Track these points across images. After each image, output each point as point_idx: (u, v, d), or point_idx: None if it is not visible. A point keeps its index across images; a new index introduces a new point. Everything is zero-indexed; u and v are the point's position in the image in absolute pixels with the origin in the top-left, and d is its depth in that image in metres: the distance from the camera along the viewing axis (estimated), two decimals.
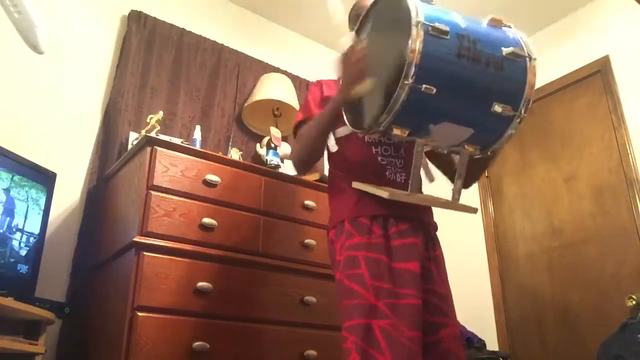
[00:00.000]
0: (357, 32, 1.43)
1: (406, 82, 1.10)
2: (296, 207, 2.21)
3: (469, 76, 1.17)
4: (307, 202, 2.23)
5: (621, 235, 2.74)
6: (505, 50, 1.21)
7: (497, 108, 1.19)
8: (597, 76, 3.07)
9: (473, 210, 1.44)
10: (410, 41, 1.11)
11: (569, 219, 2.99)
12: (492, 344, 3.03)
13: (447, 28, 1.14)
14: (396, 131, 1.19)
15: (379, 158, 1.52)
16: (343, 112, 1.42)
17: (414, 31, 1.11)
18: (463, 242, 3.20)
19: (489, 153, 1.31)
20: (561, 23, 3.36)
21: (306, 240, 2.17)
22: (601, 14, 3.15)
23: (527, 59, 1.23)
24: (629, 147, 2.82)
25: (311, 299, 2.08)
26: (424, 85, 1.11)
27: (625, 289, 2.56)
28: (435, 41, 1.13)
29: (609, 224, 2.82)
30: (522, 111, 1.21)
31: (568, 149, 3.11)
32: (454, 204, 1.39)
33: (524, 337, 3.03)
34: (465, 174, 1.35)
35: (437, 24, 1.13)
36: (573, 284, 2.89)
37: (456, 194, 1.37)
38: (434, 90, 1.12)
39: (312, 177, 2.41)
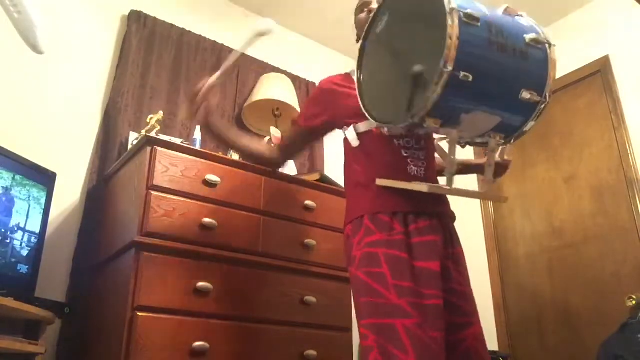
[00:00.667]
0: (371, 25, 1.41)
1: (445, 69, 1.10)
2: (296, 207, 2.21)
3: (500, 63, 1.18)
4: (307, 202, 2.23)
5: (621, 235, 2.75)
6: (527, 38, 1.22)
7: (526, 94, 1.20)
8: (597, 76, 3.08)
9: (504, 199, 1.50)
10: (447, 28, 1.10)
11: (569, 219, 3.00)
12: (492, 344, 3.03)
13: (478, 15, 1.15)
14: (429, 122, 1.18)
15: (402, 151, 1.50)
16: (364, 109, 1.38)
17: (449, 19, 1.11)
18: (463, 242, 3.19)
19: (512, 141, 1.32)
20: (561, 23, 3.36)
21: (306, 240, 2.17)
22: (601, 14, 3.15)
23: (547, 45, 1.25)
24: (629, 147, 2.82)
25: (311, 299, 2.08)
26: (462, 73, 1.11)
27: (625, 289, 2.56)
28: (468, 28, 1.13)
29: (609, 224, 2.82)
30: (547, 96, 1.23)
31: (568, 149, 3.12)
32: (486, 194, 1.42)
33: (524, 337, 3.03)
34: (494, 165, 1.36)
35: (469, 11, 1.13)
36: (573, 284, 2.89)
37: (487, 184, 1.38)
38: (471, 77, 1.12)
39: (312, 177, 2.41)
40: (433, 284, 1.33)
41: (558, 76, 3.36)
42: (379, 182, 1.45)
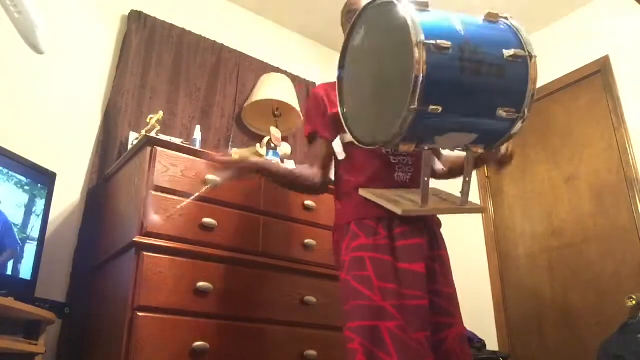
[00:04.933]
0: (349, 38, 1.41)
1: (412, 106, 1.10)
2: (296, 207, 2.21)
3: (473, 87, 1.17)
4: (307, 202, 2.23)
5: (621, 235, 2.74)
6: (506, 53, 1.20)
7: (502, 113, 1.19)
8: (597, 76, 3.07)
9: (482, 210, 1.46)
10: (414, 63, 1.09)
11: (569, 219, 2.99)
12: (492, 344, 3.02)
13: (448, 44, 1.12)
14: (403, 147, 1.20)
15: (391, 158, 1.53)
16: (345, 127, 1.40)
17: (416, 53, 1.09)
18: (463, 242, 3.19)
19: (493, 150, 1.32)
20: (561, 23, 3.36)
21: (306, 240, 2.17)
22: (601, 14, 3.15)
23: (528, 58, 1.22)
24: (629, 147, 2.82)
25: (311, 299, 2.08)
26: (430, 107, 1.11)
27: (625, 289, 2.56)
28: (437, 58, 1.11)
29: (609, 224, 2.82)
30: (526, 112, 1.22)
31: (568, 149, 3.11)
32: (462, 208, 1.40)
33: (524, 337, 3.03)
34: (470, 176, 1.36)
35: (438, 41, 1.11)
36: (573, 284, 2.89)
37: (464, 197, 1.37)
38: (440, 109, 1.12)
39: None
40: (417, 285, 1.35)
41: (558, 76, 3.39)
42: (362, 192, 1.48)
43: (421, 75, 1.09)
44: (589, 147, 3.02)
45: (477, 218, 3.43)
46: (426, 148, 1.26)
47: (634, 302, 2.26)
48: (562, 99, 3.21)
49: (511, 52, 1.20)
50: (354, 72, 1.40)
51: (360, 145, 1.36)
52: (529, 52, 1.23)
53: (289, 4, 3.33)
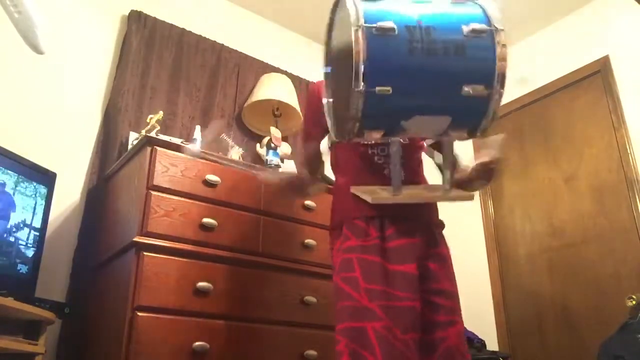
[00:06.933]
0: (327, 41, 1.42)
1: (357, 88, 1.08)
2: (296, 207, 2.21)
3: (425, 67, 1.14)
4: (307, 202, 2.23)
5: (621, 235, 2.75)
6: (465, 29, 1.15)
7: (468, 90, 1.14)
8: (597, 76, 3.07)
9: (469, 197, 1.38)
10: (353, 46, 1.08)
11: (569, 219, 2.99)
12: (492, 344, 3.03)
13: (392, 25, 1.11)
14: (369, 134, 1.18)
15: (376, 158, 1.52)
16: (329, 123, 1.40)
17: (354, 36, 1.09)
18: (463, 243, 3.19)
19: (478, 134, 1.25)
20: (561, 23, 3.36)
21: (306, 240, 2.17)
22: (601, 14, 3.15)
23: (494, 31, 1.17)
24: (629, 147, 2.82)
25: (311, 299, 2.08)
26: (377, 88, 1.09)
27: (625, 289, 2.56)
28: (381, 41, 1.10)
29: (609, 224, 2.82)
30: (498, 87, 1.16)
31: (568, 149, 3.11)
32: (447, 195, 1.35)
33: (524, 337, 3.03)
34: (454, 161, 1.33)
35: (380, 23, 1.10)
36: (573, 284, 2.89)
37: (447, 183, 1.33)
38: (390, 89, 1.10)
39: None
40: (407, 286, 1.34)
41: (558, 76, 3.38)
42: (353, 189, 1.47)
43: (361, 56, 1.08)
44: (589, 147, 3.02)
45: (477, 218, 3.43)
46: (399, 135, 1.23)
47: (634, 302, 2.26)
48: (562, 99, 3.21)
49: (470, 27, 1.15)
50: (333, 73, 1.40)
51: (335, 140, 1.38)
52: (495, 26, 1.17)
53: (289, 4, 3.33)
